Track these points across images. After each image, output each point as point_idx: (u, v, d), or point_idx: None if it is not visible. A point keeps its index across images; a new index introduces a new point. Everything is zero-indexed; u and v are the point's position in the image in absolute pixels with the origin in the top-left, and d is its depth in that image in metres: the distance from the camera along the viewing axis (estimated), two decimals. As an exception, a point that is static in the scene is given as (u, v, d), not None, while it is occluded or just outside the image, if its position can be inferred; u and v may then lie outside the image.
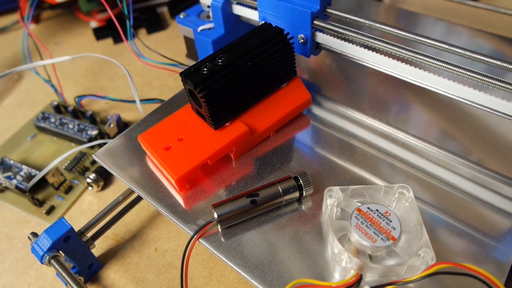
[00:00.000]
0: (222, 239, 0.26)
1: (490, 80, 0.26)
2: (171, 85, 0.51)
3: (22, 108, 0.50)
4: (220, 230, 0.26)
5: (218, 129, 0.29)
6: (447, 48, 0.28)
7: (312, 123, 0.33)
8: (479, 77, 0.27)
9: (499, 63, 0.26)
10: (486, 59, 0.27)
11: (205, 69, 0.27)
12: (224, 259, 0.25)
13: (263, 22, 0.36)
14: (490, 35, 0.42)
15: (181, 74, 0.28)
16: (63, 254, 0.30)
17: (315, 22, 0.33)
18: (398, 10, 0.50)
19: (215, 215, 0.26)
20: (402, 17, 0.48)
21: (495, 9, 0.51)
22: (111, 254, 0.35)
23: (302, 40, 0.34)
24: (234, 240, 0.26)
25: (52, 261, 0.28)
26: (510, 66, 0.26)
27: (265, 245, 0.26)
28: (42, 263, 0.28)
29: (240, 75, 0.28)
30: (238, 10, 0.38)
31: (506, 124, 0.32)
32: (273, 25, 0.31)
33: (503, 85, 0.26)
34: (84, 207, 0.39)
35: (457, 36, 0.43)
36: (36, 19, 0.65)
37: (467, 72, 0.27)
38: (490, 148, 0.31)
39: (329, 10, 0.33)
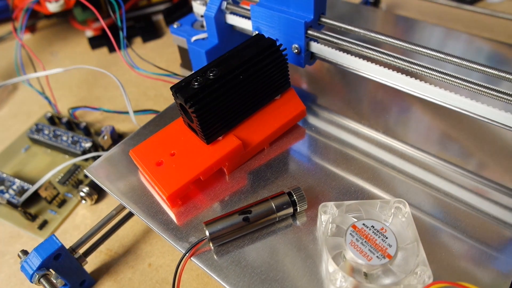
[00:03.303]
0: (215, 257, 0.26)
1: (490, 91, 0.26)
2: (167, 95, 0.50)
3: (17, 119, 0.50)
4: (212, 247, 0.26)
5: (211, 144, 0.29)
6: (445, 58, 0.27)
7: (308, 134, 0.33)
8: (477, 87, 0.26)
9: (497, 72, 0.26)
10: (485, 69, 0.26)
11: (196, 83, 0.27)
12: (216, 278, 0.25)
13: (256, 32, 0.36)
14: (488, 41, 0.42)
15: (171, 88, 0.27)
16: (53, 272, 0.29)
17: (309, 32, 0.32)
18: (395, 16, 0.49)
19: (207, 233, 0.25)
20: (399, 24, 0.47)
21: (493, 13, 0.50)
22: (104, 270, 0.34)
23: (296, 50, 0.33)
24: (227, 258, 0.25)
25: (41, 280, 0.28)
26: (507, 76, 0.25)
27: (259, 262, 0.25)
28: (32, 282, 0.28)
29: (232, 89, 0.28)
30: (232, 20, 0.37)
31: (508, 133, 0.31)
32: (266, 36, 0.30)
33: (501, 95, 0.25)
34: (77, 221, 0.38)
35: (456, 43, 0.43)
36: (31, 29, 0.65)
37: (464, 83, 0.27)
38: (492, 158, 0.31)
39: (323, 19, 0.33)
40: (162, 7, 0.64)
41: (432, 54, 0.28)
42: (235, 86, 0.28)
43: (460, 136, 0.32)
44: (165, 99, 0.50)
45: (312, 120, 0.34)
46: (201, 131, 0.28)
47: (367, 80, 0.32)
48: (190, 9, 0.63)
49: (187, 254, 0.25)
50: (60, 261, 0.29)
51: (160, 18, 0.64)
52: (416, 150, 0.31)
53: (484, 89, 0.26)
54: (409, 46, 0.29)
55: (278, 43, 0.30)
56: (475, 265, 0.24)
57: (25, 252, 0.29)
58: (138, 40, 0.61)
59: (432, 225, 0.26)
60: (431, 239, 0.25)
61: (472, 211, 0.27)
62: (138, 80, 0.53)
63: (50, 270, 0.29)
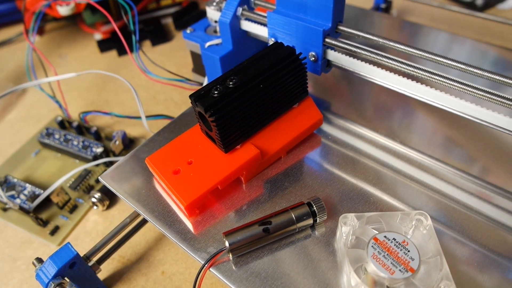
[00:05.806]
0: (234, 267, 0.25)
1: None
2: (177, 99, 0.50)
3: (26, 123, 0.50)
4: (231, 258, 0.26)
5: (229, 152, 0.29)
6: (465, 69, 0.27)
7: (324, 142, 0.33)
8: (498, 99, 0.26)
9: (502, 78, 0.26)
10: (505, 79, 0.26)
11: (215, 92, 0.27)
12: (236, 289, 0.24)
13: (272, 39, 0.35)
14: (496, 47, 0.42)
15: (190, 96, 0.27)
16: (68, 281, 0.29)
17: (327, 40, 0.32)
18: (406, 23, 0.49)
19: (227, 244, 0.25)
20: (410, 31, 0.47)
21: (504, 20, 0.50)
22: (117, 277, 0.34)
23: (313, 58, 0.33)
24: (246, 269, 0.25)
25: (57, 288, 0.27)
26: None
27: (278, 274, 0.25)
28: (47, 291, 0.28)
29: (251, 98, 0.27)
30: (247, 26, 0.37)
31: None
32: (285, 44, 0.30)
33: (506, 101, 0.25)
34: (89, 227, 0.38)
35: (468, 50, 0.43)
36: (40, 31, 0.65)
37: (482, 93, 0.26)
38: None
39: (341, 28, 0.32)
40: (171, 10, 0.64)
41: (455, 65, 0.27)
42: (254, 95, 0.28)
43: (480, 146, 0.32)
44: (175, 104, 0.50)
45: (327, 128, 0.34)
46: (220, 139, 0.27)
47: (380, 85, 0.32)
48: (199, 13, 0.63)
49: (206, 265, 0.25)
50: (75, 269, 0.29)
51: (169, 21, 0.64)
52: (434, 160, 0.31)
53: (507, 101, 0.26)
54: (427, 55, 0.28)
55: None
56: (498, 281, 0.24)
57: (40, 260, 0.29)
58: (147, 44, 0.61)
59: (451, 239, 0.26)
60: (450, 254, 0.25)
61: (493, 224, 0.27)
62: (148, 84, 0.52)
63: (65, 278, 0.28)
